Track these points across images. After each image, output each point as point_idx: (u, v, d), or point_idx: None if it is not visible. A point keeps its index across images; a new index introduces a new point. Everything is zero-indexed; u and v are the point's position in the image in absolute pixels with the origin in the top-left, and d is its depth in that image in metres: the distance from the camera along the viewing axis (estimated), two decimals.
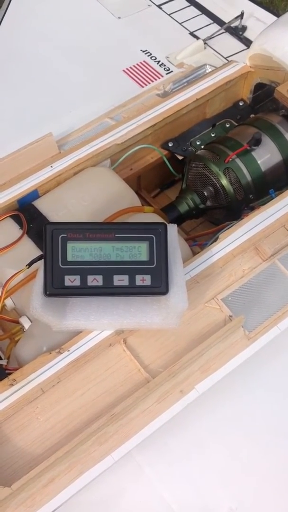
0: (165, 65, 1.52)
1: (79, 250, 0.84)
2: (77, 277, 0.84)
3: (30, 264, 0.92)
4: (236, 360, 0.91)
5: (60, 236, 0.84)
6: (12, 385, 0.86)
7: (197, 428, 0.90)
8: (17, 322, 0.97)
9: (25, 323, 0.96)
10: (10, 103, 1.44)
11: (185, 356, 0.90)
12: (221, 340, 0.91)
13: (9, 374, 0.88)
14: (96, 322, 0.88)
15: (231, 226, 1.03)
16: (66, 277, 0.83)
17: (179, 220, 1.18)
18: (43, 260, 0.85)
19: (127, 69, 1.51)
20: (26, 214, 1.04)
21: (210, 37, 1.59)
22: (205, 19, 1.67)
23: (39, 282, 0.86)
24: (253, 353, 0.92)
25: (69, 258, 0.84)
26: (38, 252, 0.98)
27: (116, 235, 0.85)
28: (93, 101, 1.37)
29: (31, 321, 0.96)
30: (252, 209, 1.11)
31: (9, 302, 0.99)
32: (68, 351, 0.89)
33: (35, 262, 0.91)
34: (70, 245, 0.84)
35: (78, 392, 0.89)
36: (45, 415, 0.87)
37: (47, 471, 0.81)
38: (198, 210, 1.18)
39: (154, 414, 0.87)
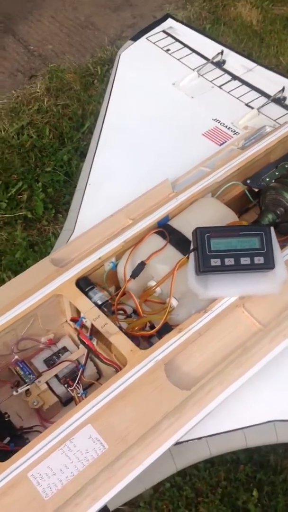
0: (231, 129, 1.99)
1: (218, 243, 1.28)
2: (218, 260, 1.27)
3: (188, 255, 1.32)
4: None
5: (206, 235, 1.28)
6: (180, 331, 1.27)
7: None
8: (163, 303, 1.39)
9: (174, 301, 1.36)
10: (123, 163, 1.90)
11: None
12: None
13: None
14: (227, 290, 1.31)
15: None
16: (212, 260, 1.27)
17: None
18: (193, 252, 1.29)
19: (205, 133, 1.97)
20: (166, 230, 1.47)
21: (261, 106, 2.05)
22: (254, 94, 2.14)
23: (191, 266, 1.29)
24: None
25: (212, 248, 1.27)
26: (179, 254, 1.40)
27: (240, 233, 1.29)
28: (187, 156, 1.83)
29: (177, 300, 1.36)
30: None
31: (158, 289, 1.41)
32: (211, 310, 1.31)
33: (191, 252, 1.32)
34: (212, 240, 1.28)
35: (219, 337, 1.29)
36: (200, 351, 1.27)
37: (209, 383, 1.22)
38: (274, 224, 1.61)
39: (268, 350, 1.27)
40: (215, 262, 1.27)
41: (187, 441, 1.20)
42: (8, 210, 2.34)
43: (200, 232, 1.28)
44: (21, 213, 2.34)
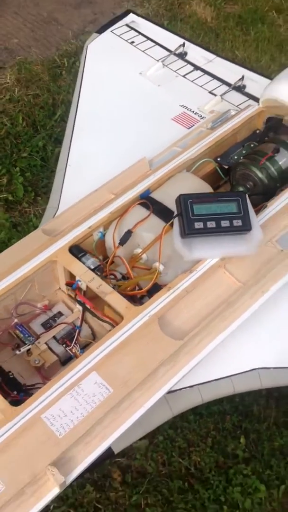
0: (198, 113, 2.11)
1: (199, 208, 1.39)
2: (201, 223, 1.38)
3: (171, 223, 1.43)
4: None
5: (188, 201, 1.39)
6: (169, 289, 1.38)
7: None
8: (149, 269, 1.49)
9: (161, 267, 1.46)
10: (99, 146, 1.99)
11: (264, 269, 1.43)
12: (278, 262, 1.45)
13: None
14: (210, 252, 1.42)
15: (266, 205, 1.59)
16: (195, 223, 1.37)
17: None
18: (177, 218, 1.39)
19: (174, 117, 2.08)
20: (148, 201, 1.57)
21: (224, 93, 2.18)
22: (216, 82, 2.27)
23: (176, 230, 1.40)
24: None
25: (195, 213, 1.38)
26: (162, 223, 1.50)
27: (219, 199, 1.41)
28: (158, 139, 1.93)
29: (163, 265, 1.46)
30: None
31: (144, 256, 1.51)
32: (196, 271, 1.42)
33: (174, 219, 1.43)
34: (194, 206, 1.39)
35: (204, 295, 1.40)
36: (187, 307, 1.38)
37: (198, 335, 1.32)
38: None
39: (249, 305, 1.39)
40: (199, 225, 1.38)
41: (180, 389, 1.30)
42: None
43: (183, 198, 1.39)
44: (1, 195, 2.39)
